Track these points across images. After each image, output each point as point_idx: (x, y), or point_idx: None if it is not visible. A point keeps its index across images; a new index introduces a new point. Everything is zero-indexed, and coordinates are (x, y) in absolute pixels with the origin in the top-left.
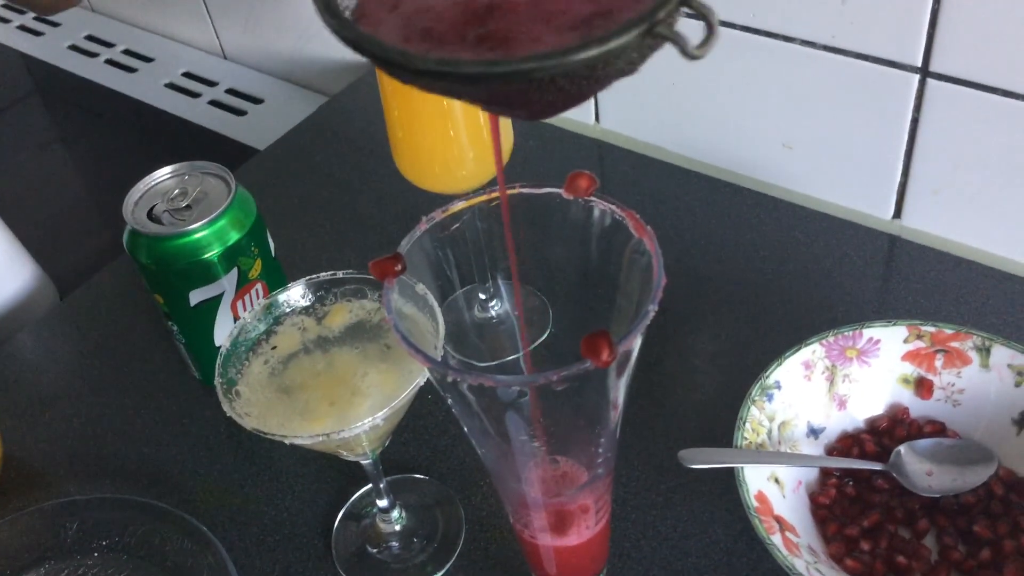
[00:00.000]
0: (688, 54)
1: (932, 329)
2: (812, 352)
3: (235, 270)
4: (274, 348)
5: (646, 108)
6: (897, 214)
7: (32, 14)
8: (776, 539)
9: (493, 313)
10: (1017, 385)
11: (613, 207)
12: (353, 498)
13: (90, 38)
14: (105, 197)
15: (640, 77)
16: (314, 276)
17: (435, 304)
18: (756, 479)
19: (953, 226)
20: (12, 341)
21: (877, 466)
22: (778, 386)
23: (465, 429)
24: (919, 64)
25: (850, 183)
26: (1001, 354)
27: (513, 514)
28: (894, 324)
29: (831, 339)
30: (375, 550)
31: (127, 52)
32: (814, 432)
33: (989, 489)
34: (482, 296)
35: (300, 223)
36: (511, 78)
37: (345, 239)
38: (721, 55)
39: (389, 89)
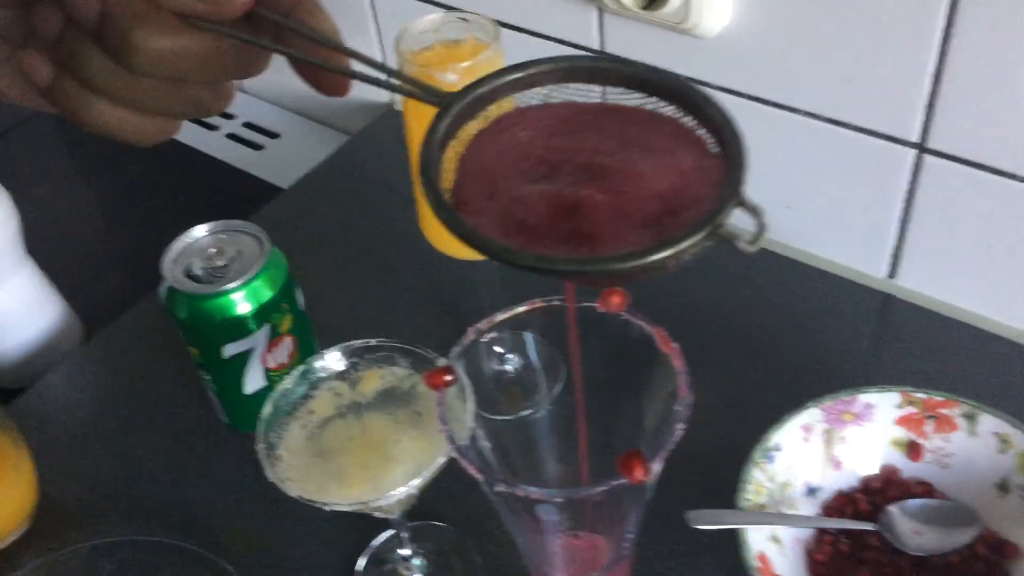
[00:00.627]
0: (743, 250)
1: (923, 396)
2: (810, 416)
3: (267, 326)
4: (311, 412)
5: None
6: (892, 274)
7: None
8: None
9: (510, 367)
10: (1001, 451)
11: (642, 323)
12: (376, 543)
13: None
14: (127, 232)
15: None
16: (348, 343)
17: (471, 393)
18: (758, 540)
19: (944, 287)
20: (43, 380)
21: (869, 526)
22: (778, 448)
23: (499, 512)
24: (916, 140)
25: (847, 244)
26: (987, 422)
27: None
28: (888, 390)
29: (829, 403)
30: None
31: None
32: (811, 491)
33: (973, 550)
34: (499, 349)
35: (323, 269)
36: (599, 275)
37: (367, 288)
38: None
39: (416, 147)
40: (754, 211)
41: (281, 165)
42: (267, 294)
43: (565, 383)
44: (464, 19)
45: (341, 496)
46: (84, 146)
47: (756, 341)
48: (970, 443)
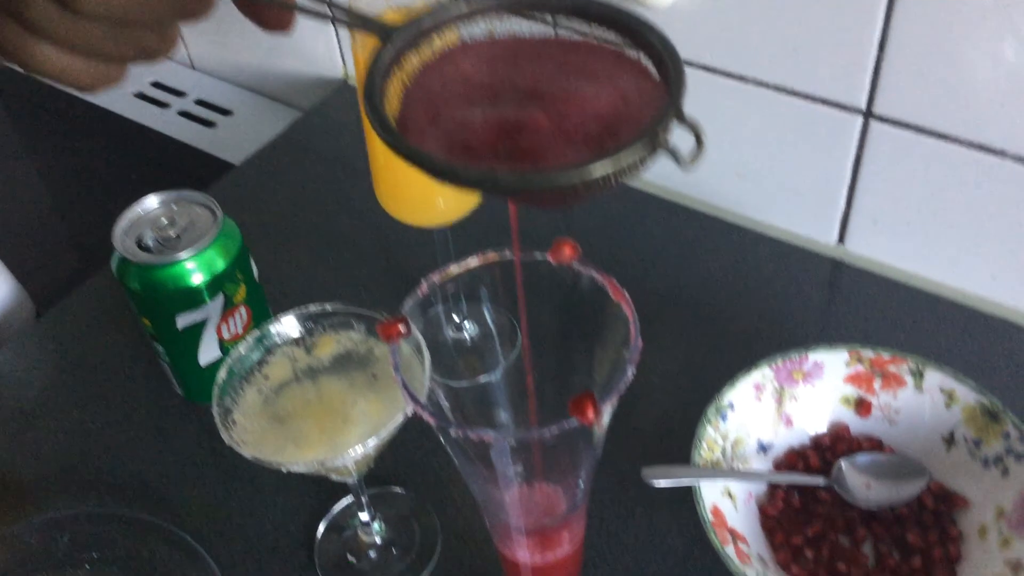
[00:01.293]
0: (681, 164)
1: (871, 354)
2: (762, 375)
3: (221, 296)
4: (267, 378)
5: None
6: (841, 240)
7: None
8: (729, 550)
9: (466, 335)
10: (947, 406)
11: (594, 273)
12: (334, 511)
13: None
14: (77, 210)
15: None
16: (303, 308)
17: (426, 350)
18: (711, 494)
19: (891, 252)
20: None
21: (820, 480)
22: (731, 406)
23: (456, 463)
24: (863, 107)
25: (797, 211)
26: (933, 377)
27: (496, 535)
28: (837, 349)
29: (779, 363)
30: (356, 560)
31: None
32: (763, 448)
33: (921, 501)
34: (456, 318)
35: (277, 242)
36: (540, 186)
37: (322, 258)
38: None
39: None
40: (692, 126)
41: (234, 142)
42: (220, 264)
43: (521, 348)
44: None
45: (298, 458)
46: (30, 124)
47: (709, 307)
48: (917, 399)
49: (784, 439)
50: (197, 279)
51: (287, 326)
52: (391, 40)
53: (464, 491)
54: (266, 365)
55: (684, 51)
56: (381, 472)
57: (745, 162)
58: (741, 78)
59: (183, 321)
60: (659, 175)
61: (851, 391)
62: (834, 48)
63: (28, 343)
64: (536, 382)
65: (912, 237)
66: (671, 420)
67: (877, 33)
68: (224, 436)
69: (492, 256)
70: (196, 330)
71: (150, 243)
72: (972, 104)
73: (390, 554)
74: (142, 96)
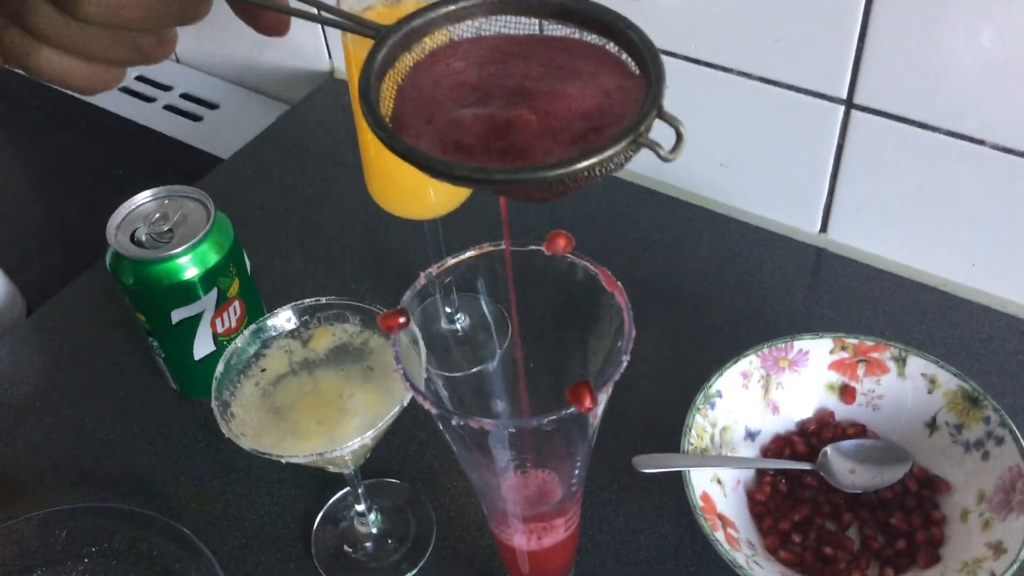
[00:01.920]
0: (663, 158)
1: (855, 341)
2: (749, 363)
3: (215, 290)
4: (264, 370)
5: None
6: (823, 229)
7: None
8: (719, 535)
9: (459, 326)
10: (930, 392)
11: (587, 264)
12: (330, 502)
13: None
14: (65, 206)
15: None
16: (299, 301)
17: (422, 341)
18: (701, 481)
19: (873, 240)
20: None
21: (806, 466)
22: (719, 394)
23: (455, 451)
24: (844, 97)
25: (781, 200)
26: (916, 364)
27: (493, 521)
28: (821, 337)
29: (766, 350)
30: (352, 551)
31: None
32: (751, 435)
33: (905, 485)
34: (447, 309)
35: (267, 236)
36: (530, 182)
37: (312, 252)
38: (666, 81)
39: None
40: (672, 121)
41: (220, 136)
42: (214, 258)
43: (512, 338)
44: None
45: (297, 450)
46: (14, 118)
47: (694, 295)
48: (900, 385)
49: (771, 426)
50: (191, 273)
51: (282, 319)
52: (384, 40)
53: (459, 481)
54: (263, 358)
55: (668, 42)
56: (376, 463)
57: (729, 152)
58: (724, 69)
59: (178, 315)
60: (643, 165)
61: (835, 378)
62: (816, 39)
63: (19, 339)
64: (530, 372)
65: (893, 225)
66: (658, 408)
67: (857, 24)
68: (223, 429)
69: (487, 247)
70: (190, 324)
71: (143, 238)
72: (952, 93)
73: (386, 544)
74: (128, 90)
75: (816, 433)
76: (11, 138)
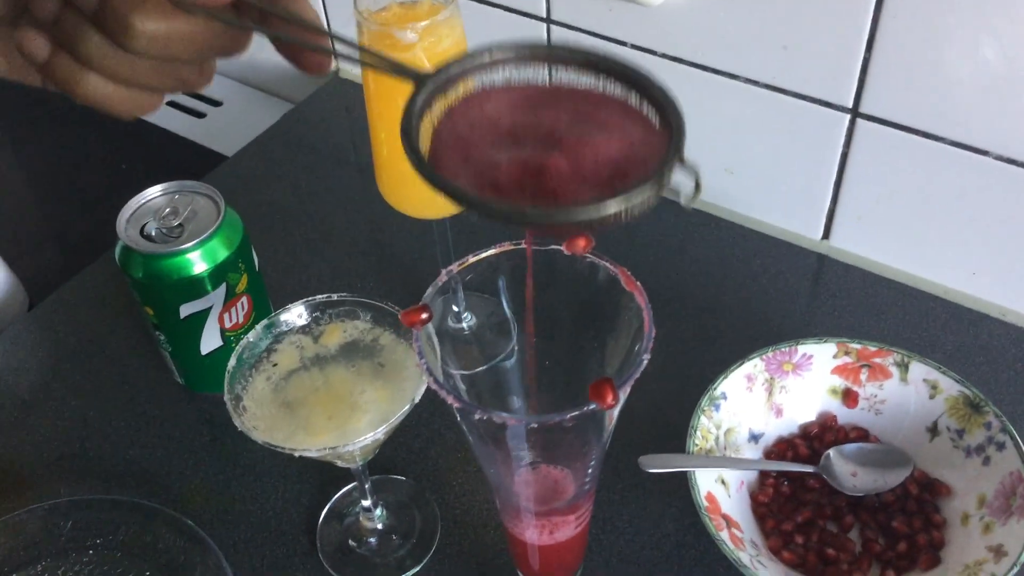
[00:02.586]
0: (683, 205)
1: (858, 346)
2: (754, 366)
3: (223, 285)
4: (275, 365)
5: None
6: (826, 236)
7: None
8: (724, 535)
9: (465, 325)
10: (931, 397)
11: (607, 264)
12: (335, 498)
13: None
14: (68, 200)
15: None
16: (311, 298)
17: (435, 337)
18: (705, 481)
19: (875, 248)
20: None
21: (809, 468)
22: (724, 397)
23: (472, 445)
24: (850, 105)
25: (784, 206)
26: (918, 369)
27: (505, 516)
28: (825, 341)
29: (770, 354)
30: (357, 546)
31: None
32: (755, 437)
33: (906, 489)
34: (455, 308)
35: (273, 233)
36: (561, 222)
37: (317, 250)
38: (673, 87)
39: (376, 113)
40: (692, 170)
41: (223, 133)
42: (223, 253)
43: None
44: None
45: (309, 443)
46: (18, 113)
47: (699, 301)
48: (902, 390)
49: (774, 429)
50: (200, 268)
51: (294, 315)
52: (423, 84)
53: (464, 479)
54: (274, 353)
55: (676, 48)
56: (381, 460)
57: (734, 158)
58: (732, 75)
59: (186, 310)
60: None
61: (839, 382)
62: (823, 47)
63: (23, 332)
64: (546, 370)
65: (895, 233)
66: (662, 411)
67: (865, 33)
68: (236, 422)
69: (507, 246)
70: (199, 319)
71: (153, 232)
72: (957, 104)
73: (391, 540)
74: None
75: (819, 436)
76: (12, 133)
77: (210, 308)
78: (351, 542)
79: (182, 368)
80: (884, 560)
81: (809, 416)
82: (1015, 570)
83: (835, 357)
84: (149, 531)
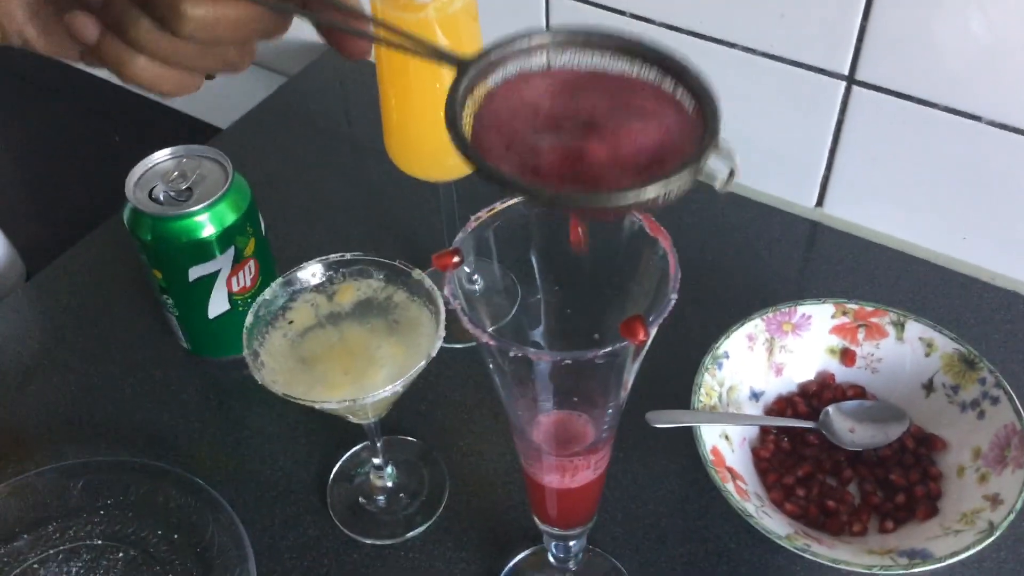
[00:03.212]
0: (718, 189)
1: (855, 307)
2: (755, 326)
3: (232, 248)
4: (291, 322)
5: None
6: (820, 203)
7: None
8: (729, 487)
9: (476, 287)
10: (927, 355)
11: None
12: (344, 458)
13: None
14: (62, 170)
15: None
16: (325, 257)
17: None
18: (710, 436)
19: (868, 215)
20: None
21: (809, 424)
22: (726, 355)
23: (499, 386)
24: (846, 73)
25: (779, 174)
26: (914, 328)
27: (526, 460)
28: (823, 302)
29: (770, 315)
30: (368, 504)
31: None
32: (755, 395)
33: (902, 444)
34: (467, 269)
35: (271, 201)
36: (601, 206)
37: (317, 216)
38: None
39: (387, 80)
40: (728, 156)
41: (216, 105)
42: (231, 217)
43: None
44: None
45: (329, 396)
46: (13, 89)
47: (699, 264)
48: (898, 348)
49: (774, 387)
50: (209, 231)
51: (309, 273)
52: (465, 70)
53: (471, 441)
54: (289, 311)
55: (674, 16)
56: (389, 421)
57: (730, 125)
58: (729, 44)
59: (195, 273)
60: None
61: (836, 342)
62: (820, 15)
63: (23, 301)
64: (568, 318)
65: (888, 199)
66: (665, 370)
67: (862, 1)
68: (256, 376)
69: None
70: (207, 282)
71: (161, 196)
72: (949, 71)
73: (400, 498)
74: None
75: (817, 394)
76: (7, 107)
77: (218, 271)
78: (361, 500)
79: (188, 332)
80: (883, 511)
81: (808, 375)
82: (1012, 517)
83: (833, 317)
84: (160, 491)
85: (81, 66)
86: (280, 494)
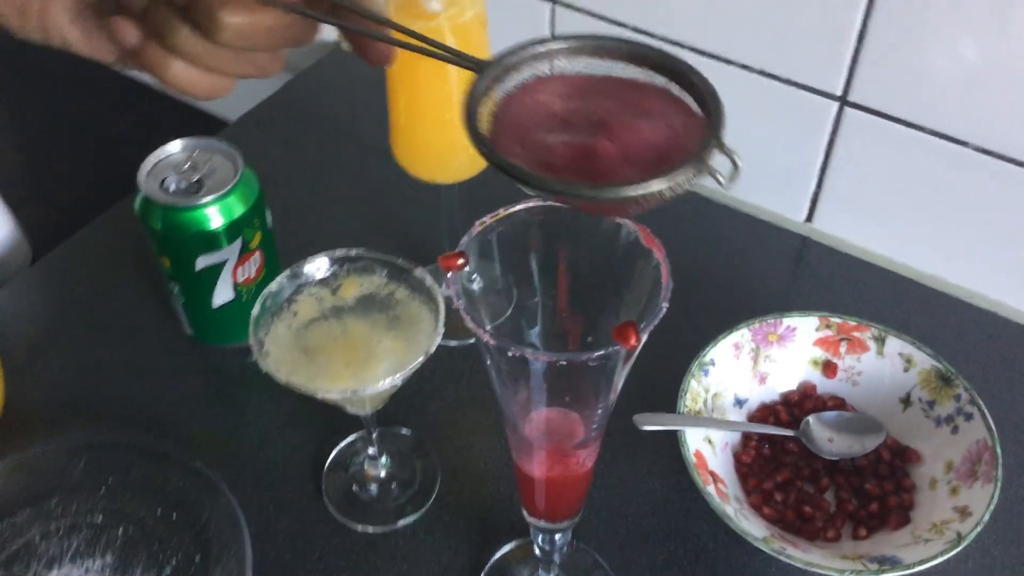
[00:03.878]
0: (721, 185)
1: (839, 320)
2: (741, 335)
3: (239, 240)
4: (295, 314)
5: None
6: (809, 218)
7: None
8: (710, 489)
9: (475, 287)
10: (905, 370)
11: (628, 222)
12: (339, 447)
13: None
14: (68, 155)
15: None
16: (330, 252)
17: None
18: (694, 440)
19: (856, 232)
20: None
21: (789, 432)
22: (713, 363)
23: (495, 382)
24: (839, 94)
25: (770, 189)
26: (894, 344)
27: (517, 454)
28: (808, 315)
29: (757, 325)
30: (361, 492)
31: None
32: (739, 402)
33: (879, 455)
34: (466, 269)
35: (274, 196)
36: (609, 199)
37: (322, 214)
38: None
39: (396, 81)
40: (731, 154)
41: (223, 99)
42: (240, 209)
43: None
44: None
45: (330, 386)
46: (17, 83)
47: (689, 274)
48: (878, 362)
49: (758, 395)
50: (218, 223)
51: (314, 267)
52: (484, 73)
53: (463, 435)
54: (294, 303)
55: (674, 33)
56: (384, 413)
57: (726, 138)
58: (727, 60)
59: (202, 262)
60: None
61: (819, 354)
62: (816, 37)
63: (29, 283)
64: (564, 322)
65: (876, 219)
66: (652, 376)
67: (857, 25)
68: (261, 364)
69: (538, 202)
70: (213, 272)
71: (172, 186)
72: (939, 96)
73: (392, 488)
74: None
75: (799, 404)
76: (7, 96)
77: (225, 262)
78: (355, 487)
79: (192, 320)
80: (857, 519)
81: (791, 384)
82: (979, 529)
83: (817, 330)
84: (160, 472)
85: (116, 67)
86: (276, 480)
